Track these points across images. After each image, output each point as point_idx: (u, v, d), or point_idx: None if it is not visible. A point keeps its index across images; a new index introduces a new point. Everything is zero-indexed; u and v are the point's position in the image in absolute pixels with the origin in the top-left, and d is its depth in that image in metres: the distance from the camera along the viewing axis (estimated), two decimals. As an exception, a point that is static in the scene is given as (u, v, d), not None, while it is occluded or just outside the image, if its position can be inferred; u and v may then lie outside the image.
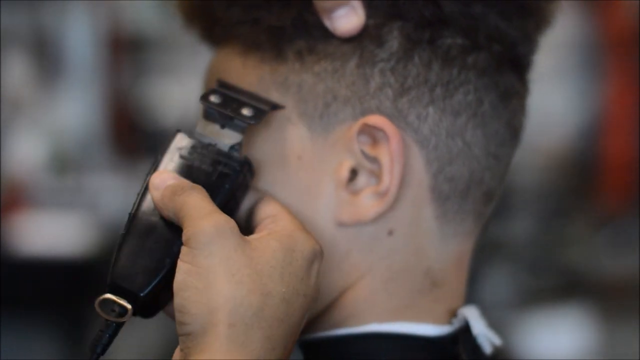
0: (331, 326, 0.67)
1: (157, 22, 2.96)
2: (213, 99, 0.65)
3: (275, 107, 0.66)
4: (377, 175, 0.65)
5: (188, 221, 0.60)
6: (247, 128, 0.65)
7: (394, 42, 0.65)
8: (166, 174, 0.63)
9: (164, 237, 0.62)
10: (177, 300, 0.58)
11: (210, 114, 0.65)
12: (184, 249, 0.59)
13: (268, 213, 0.63)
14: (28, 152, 2.79)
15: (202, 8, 0.70)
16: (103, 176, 2.82)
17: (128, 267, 0.61)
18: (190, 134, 0.65)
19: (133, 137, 2.97)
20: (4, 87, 2.72)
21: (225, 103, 0.65)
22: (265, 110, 0.65)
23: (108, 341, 0.61)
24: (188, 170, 0.64)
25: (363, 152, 0.65)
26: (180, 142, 0.65)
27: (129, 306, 0.61)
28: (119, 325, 0.61)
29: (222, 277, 0.58)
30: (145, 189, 0.63)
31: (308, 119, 0.66)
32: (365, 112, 0.65)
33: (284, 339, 0.59)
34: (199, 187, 0.62)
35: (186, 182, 0.62)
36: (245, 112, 0.64)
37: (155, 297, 0.61)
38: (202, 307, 0.57)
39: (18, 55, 2.84)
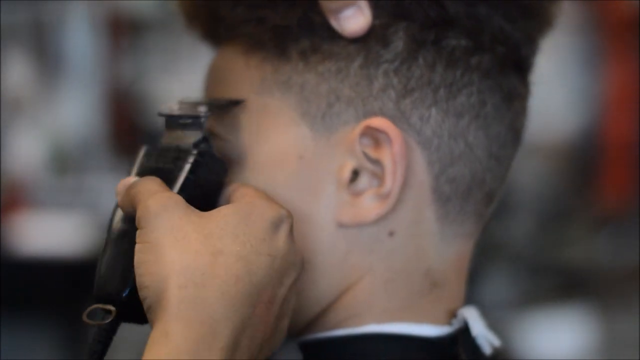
0: (330, 327, 0.67)
1: (157, 22, 2.96)
2: (172, 107, 0.67)
3: (232, 102, 0.67)
4: (379, 177, 0.65)
5: (138, 206, 0.61)
6: (207, 121, 0.65)
7: (399, 42, 0.65)
8: (127, 179, 0.64)
9: (135, 239, 0.62)
10: (137, 279, 0.59)
11: (170, 123, 0.66)
12: (137, 232, 0.60)
13: (238, 196, 0.64)
14: (28, 152, 2.79)
15: (205, 7, 0.70)
16: (103, 176, 2.82)
17: (108, 274, 0.62)
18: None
19: (133, 137, 2.97)
20: (4, 87, 2.72)
21: (183, 108, 0.66)
22: (222, 104, 0.66)
23: (102, 349, 0.61)
24: (151, 174, 0.64)
25: (365, 154, 0.65)
26: (147, 154, 0.66)
27: (112, 308, 0.61)
28: (110, 331, 0.61)
29: (168, 246, 0.58)
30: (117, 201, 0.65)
31: (310, 119, 0.66)
32: (368, 114, 0.65)
33: (247, 297, 0.58)
34: (152, 177, 0.63)
35: (138, 179, 0.63)
36: (201, 109, 0.66)
37: (137, 293, 0.61)
38: (154, 277, 0.58)
39: (18, 55, 2.84)
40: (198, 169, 0.64)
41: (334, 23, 0.65)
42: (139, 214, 0.60)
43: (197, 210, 0.61)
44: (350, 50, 0.65)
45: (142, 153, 0.67)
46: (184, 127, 0.66)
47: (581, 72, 2.98)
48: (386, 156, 0.64)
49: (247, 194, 0.63)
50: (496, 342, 0.69)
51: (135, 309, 0.62)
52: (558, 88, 2.89)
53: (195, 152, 0.65)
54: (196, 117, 0.65)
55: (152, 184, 0.62)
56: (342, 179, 0.65)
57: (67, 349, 2.46)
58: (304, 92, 0.66)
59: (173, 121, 0.66)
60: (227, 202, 0.65)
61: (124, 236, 0.63)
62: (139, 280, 0.59)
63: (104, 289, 0.62)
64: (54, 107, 2.89)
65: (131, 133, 2.99)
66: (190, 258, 0.58)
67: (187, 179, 0.64)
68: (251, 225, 0.60)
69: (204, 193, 0.65)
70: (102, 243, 0.64)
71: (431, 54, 0.66)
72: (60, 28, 2.93)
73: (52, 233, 2.61)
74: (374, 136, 0.65)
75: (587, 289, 2.74)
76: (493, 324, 0.71)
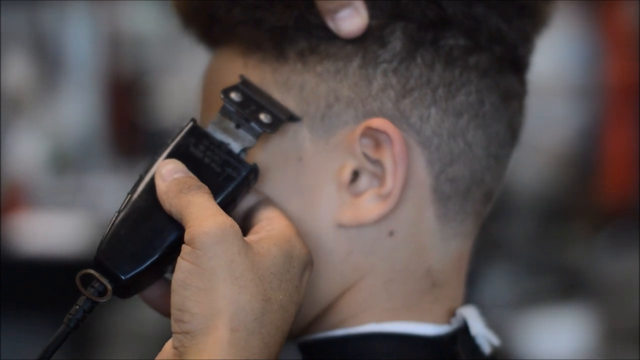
0: (330, 327, 0.67)
1: (157, 22, 2.96)
2: (234, 96, 0.65)
3: (291, 117, 0.65)
4: (379, 178, 0.65)
5: (193, 221, 0.60)
6: (261, 134, 0.64)
7: (396, 42, 0.65)
8: (174, 164, 0.63)
9: (158, 227, 0.62)
10: (177, 298, 0.58)
11: (227, 111, 0.65)
12: (186, 248, 0.59)
13: (265, 215, 0.64)
14: (28, 152, 2.78)
15: (202, 8, 0.70)
16: (103, 176, 2.82)
17: (117, 248, 0.62)
18: (204, 125, 0.65)
19: (133, 137, 2.97)
20: (4, 87, 2.72)
21: (245, 103, 0.65)
22: (282, 119, 0.65)
23: (82, 317, 0.61)
24: (197, 165, 0.63)
25: (365, 155, 0.65)
26: (193, 133, 0.64)
27: (109, 287, 0.61)
28: (95, 303, 0.61)
29: (225, 280, 0.58)
30: (150, 170, 0.63)
31: (309, 120, 0.66)
32: (367, 115, 0.65)
33: (279, 346, 0.59)
34: (205, 187, 0.62)
35: (193, 180, 0.62)
36: (263, 117, 0.64)
37: (136, 282, 0.62)
38: (204, 308, 0.57)
39: (18, 55, 2.84)
40: (242, 184, 0.64)
41: (330, 24, 0.65)
42: (193, 231, 0.59)
43: (249, 244, 0.60)
44: (348, 51, 0.66)
45: (187, 129, 0.64)
46: (239, 124, 0.65)
47: (581, 72, 2.98)
48: (387, 157, 0.64)
49: (276, 222, 0.63)
50: (495, 341, 0.69)
51: (127, 289, 0.62)
52: (558, 88, 2.89)
53: (245, 166, 0.64)
54: (257, 124, 0.64)
55: (209, 200, 0.61)
56: (342, 179, 0.65)
57: (67, 349, 2.46)
58: (303, 93, 0.66)
59: (230, 111, 0.65)
60: (248, 210, 0.65)
61: (147, 218, 0.62)
62: (183, 301, 0.58)
63: (106, 261, 0.61)
64: (54, 107, 2.89)
65: (131, 133, 2.99)
66: (245, 301, 0.58)
67: (229, 191, 0.63)
68: (291, 271, 0.61)
69: (233, 199, 0.64)
70: (122, 201, 0.63)
71: (430, 53, 0.66)
72: (60, 28, 2.93)
73: (52, 233, 2.61)
74: (374, 137, 0.65)
75: (587, 289, 2.73)
76: (493, 324, 0.71)
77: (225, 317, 0.57)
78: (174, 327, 0.58)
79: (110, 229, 0.62)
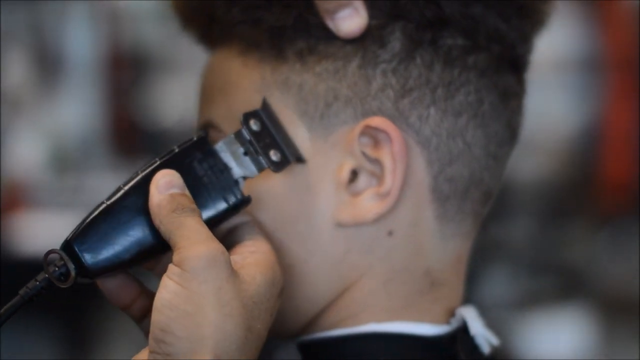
0: (329, 327, 0.67)
1: (157, 22, 2.96)
2: (252, 124, 0.65)
3: (299, 159, 0.65)
4: (378, 177, 0.65)
5: (184, 242, 0.59)
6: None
7: (396, 42, 0.66)
8: (172, 177, 0.62)
9: (140, 232, 0.62)
10: (160, 317, 0.57)
11: (241, 135, 0.65)
12: (174, 269, 0.58)
13: (250, 236, 0.64)
14: (28, 152, 2.78)
15: (201, 8, 0.70)
16: (103, 176, 2.81)
17: (92, 238, 0.61)
18: (213, 142, 0.65)
19: (133, 137, 2.97)
20: (4, 87, 2.72)
21: (261, 134, 0.65)
22: (289, 161, 0.65)
23: (38, 293, 0.61)
24: (194, 181, 0.63)
25: (364, 154, 0.65)
26: (202, 147, 0.64)
27: (73, 273, 0.61)
28: (54, 284, 0.61)
29: (213, 307, 0.57)
30: (148, 171, 0.63)
31: (308, 120, 0.66)
32: (366, 114, 0.65)
33: None
34: (197, 210, 0.62)
35: (187, 200, 0.62)
36: (272, 155, 0.64)
37: (100, 274, 0.62)
38: (189, 332, 0.57)
39: (18, 55, 2.84)
40: (232, 211, 0.64)
41: (329, 24, 0.65)
42: (184, 253, 0.59)
43: (236, 271, 0.60)
44: (348, 51, 0.66)
45: (196, 140, 0.64)
46: (247, 151, 0.65)
47: (581, 72, 2.98)
48: (386, 155, 0.64)
49: (259, 244, 0.63)
50: (495, 341, 0.69)
51: (89, 276, 0.62)
52: (559, 89, 2.89)
53: (241, 197, 0.64)
54: (265, 160, 0.64)
55: (200, 224, 0.60)
56: (341, 179, 0.65)
57: (67, 349, 2.46)
58: (302, 93, 0.66)
59: (245, 139, 0.65)
60: (232, 228, 0.65)
61: (131, 219, 0.62)
62: (167, 322, 0.57)
63: (77, 247, 0.61)
64: (54, 107, 2.89)
65: (131, 133, 2.99)
66: (230, 329, 0.58)
67: (214, 215, 0.63)
68: (271, 300, 0.61)
69: (220, 222, 0.64)
70: (107, 196, 0.63)
71: (429, 53, 0.66)
72: (60, 28, 2.93)
73: (52, 233, 2.61)
74: (373, 136, 0.65)
75: (587, 289, 2.73)
76: (493, 324, 0.71)
77: (209, 344, 0.57)
78: (153, 346, 0.58)
79: (90, 216, 0.62)
